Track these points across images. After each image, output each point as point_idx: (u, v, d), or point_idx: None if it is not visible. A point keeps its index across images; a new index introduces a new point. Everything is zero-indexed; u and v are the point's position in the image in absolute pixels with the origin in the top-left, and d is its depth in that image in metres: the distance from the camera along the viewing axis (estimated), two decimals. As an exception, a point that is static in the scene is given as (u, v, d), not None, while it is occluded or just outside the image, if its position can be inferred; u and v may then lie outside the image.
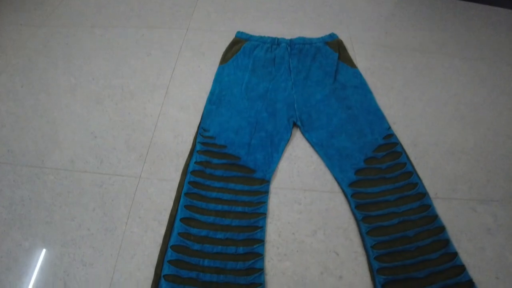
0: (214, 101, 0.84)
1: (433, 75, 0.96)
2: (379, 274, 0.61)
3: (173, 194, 0.70)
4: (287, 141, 0.78)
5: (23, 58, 1.01)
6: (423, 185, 0.72)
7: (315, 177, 0.74)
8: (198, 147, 0.76)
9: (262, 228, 0.65)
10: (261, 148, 0.76)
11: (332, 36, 0.98)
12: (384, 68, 0.97)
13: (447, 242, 0.65)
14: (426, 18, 1.16)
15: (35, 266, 0.63)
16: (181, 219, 0.65)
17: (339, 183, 0.72)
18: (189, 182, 0.70)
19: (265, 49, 0.94)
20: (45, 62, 1.00)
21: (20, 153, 0.79)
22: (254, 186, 0.71)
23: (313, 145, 0.78)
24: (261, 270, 0.60)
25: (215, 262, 0.61)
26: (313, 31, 1.06)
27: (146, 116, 0.84)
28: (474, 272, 0.63)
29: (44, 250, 0.65)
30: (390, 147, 0.77)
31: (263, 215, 0.67)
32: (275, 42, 0.95)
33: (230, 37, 1.00)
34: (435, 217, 0.68)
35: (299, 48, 0.94)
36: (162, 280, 0.59)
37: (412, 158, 0.77)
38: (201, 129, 0.79)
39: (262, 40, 0.96)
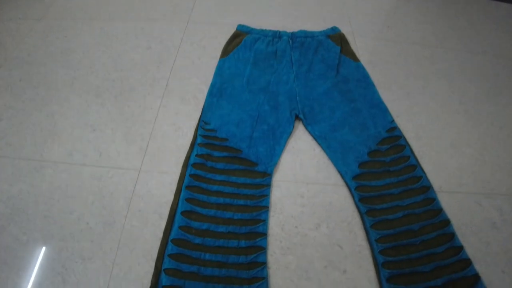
0: (215, 94, 0.82)
1: (436, 68, 0.94)
2: (384, 268, 0.59)
3: (173, 187, 0.68)
4: (289, 134, 0.76)
5: (21, 52, 0.99)
6: (427, 178, 0.70)
7: (318, 170, 0.72)
8: (199, 140, 0.74)
9: (264, 222, 0.63)
10: (263, 141, 0.74)
11: (334, 29, 0.96)
12: (387, 61, 0.95)
13: (452, 235, 0.63)
14: (428, 13, 1.14)
15: (33, 260, 0.61)
16: (182, 213, 0.63)
17: (342, 176, 0.70)
18: (190, 175, 0.68)
19: (267, 42, 0.92)
20: (44, 55, 0.97)
21: (18, 147, 0.77)
22: (256, 179, 0.69)
23: (315, 138, 0.76)
24: (263, 264, 0.58)
25: (216, 256, 0.59)
26: (315, 24, 1.04)
27: (146, 108, 0.82)
28: (479, 266, 0.61)
29: (42, 245, 0.63)
30: (394, 140, 0.75)
31: (265, 208, 0.65)
32: (276, 35, 0.93)
33: (231, 31, 0.97)
34: (439, 210, 0.66)
35: (301, 41, 0.92)
36: (163, 274, 0.57)
37: (415, 152, 0.75)
38: (202, 122, 0.77)
39: (263, 33, 0.94)
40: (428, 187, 0.69)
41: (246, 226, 0.62)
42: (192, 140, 0.74)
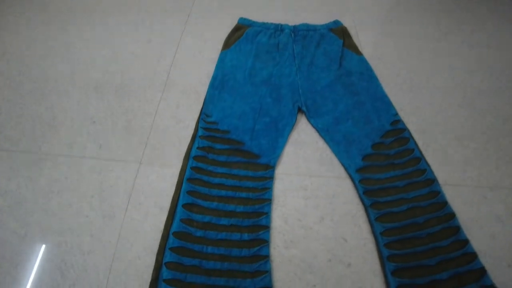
0: (217, 86, 0.80)
1: (439, 62, 0.92)
2: (389, 261, 0.57)
3: (174, 180, 0.66)
4: (292, 126, 0.74)
5: (20, 46, 0.97)
6: (432, 171, 0.68)
7: (322, 163, 0.70)
8: (200, 132, 0.72)
9: (267, 214, 0.61)
10: (266, 133, 0.72)
11: (337, 23, 0.94)
12: (390, 55, 0.93)
13: (457, 229, 0.61)
14: (430, 7, 1.11)
15: (32, 254, 0.59)
16: (183, 205, 0.61)
17: (346, 169, 0.68)
18: (192, 168, 0.66)
19: (269, 35, 0.90)
20: (43, 49, 0.95)
21: (16, 140, 0.75)
22: (258, 171, 0.67)
23: (319, 130, 0.74)
24: (266, 257, 0.57)
25: (219, 249, 0.57)
26: (317, 18, 1.01)
27: (147, 101, 0.80)
28: (485, 260, 0.59)
29: (41, 239, 0.61)
30: (398, 133, 0.73)
31: (268, 201, 0.63)
32: (278, 28, 0.91)
33: (232, 24, 0.95)
34: (444, 203, 0.64)
35: (303, 34, 0.90)
36: (164, 267, 0.55)
37: (420, 145, 0.74)
38: (203, 115, 0.75)
39: (265, 26, 0.92)
40: (433, 180, 0.67)
41: (248, 219, 0.60)
42: (193, 132, 0.72)
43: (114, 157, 0.71)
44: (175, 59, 0.90)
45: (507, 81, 0.89)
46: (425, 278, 0.56)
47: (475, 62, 0.94)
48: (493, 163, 0.73)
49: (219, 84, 0.81)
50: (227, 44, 0.89)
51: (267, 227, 0.60)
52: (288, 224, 0.62)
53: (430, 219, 0.62)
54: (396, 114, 0.77)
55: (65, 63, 0.91)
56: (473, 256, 0.58)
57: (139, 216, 0.62)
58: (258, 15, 1.00)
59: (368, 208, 0.63)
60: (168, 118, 0.77)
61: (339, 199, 0.65)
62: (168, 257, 0.56)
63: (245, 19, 0.94)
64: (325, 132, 0.73)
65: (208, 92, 0.79)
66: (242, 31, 0.91)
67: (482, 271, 0.57)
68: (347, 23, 0.99)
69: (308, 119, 0.76)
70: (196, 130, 0.73)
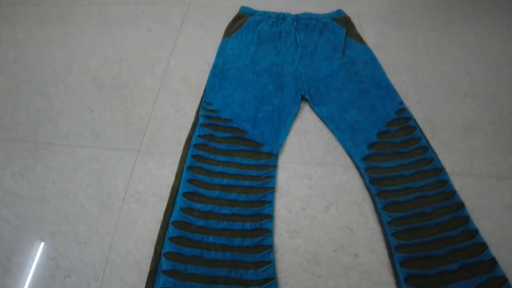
0: (218, 74, 0.77)
1: (444, 52, 0.89)
2: (398, 252, 0.54)
3: (174, 168, 0.63)
4: (295, 114, 0.71)
5: (18, 35, 0.93)
6: (439, 160, 0.65)
7: (326, 151, 0.66)
8: (201, 120, 0.68)
9: (270, 203, 0.58)
10: (268, 122, 0.69)
11: (339, 12, 0.90)
12: (393, 45, 0.90)
13: (466, 219, 0.58)
14: (433, -2, 1.08)
15: (26, 245, 0.56)
16: (183, 194, 0.58)
17: (351, 157, 0.65)
18: (192, 156, 0.63)
19: (270, 23, 0.86)
20: (41, 38, 0.91)
21: (12, 129, 0.71)
22: (261, 160, 0.63)
23: (323, 119, 0.71)
24: (270, 247, 0.53)
25: (220, 239, 0.54)
26: (319, 8, 0.98)
27: (146, 89, 0.76)
28: (495, 251, 0.56)
29: (35, 229, 0.57)
30: (404, 122, 0.70)
31: (271, 189, 0.60)
32: (280, 17, 0.87)
33: (234, 13, 0.91)
34: (453, 193, 0.61)
35: (305, 23, 0.87)
36: (163, 258, 0.52)
37: (426, 134, 0.70)
38: (204, 103, 0.72)
39: (267, 15, 0.88)
40: (440, 169, 0.64)
41: (251, 208, 0.57)
42: (194, 120, 0.69)
43: (112, 145, 0.67)
44: (175, 47, 0.86)
45: (513, 71, 0.86)
46: (435, 269, 0.53)
47: (480, 52, 0.90)
48: (501, 153, 0.70)
49: (220, 72, 0.77)
50: (228, 32, 0.86)
51: (270, 216, 0.57)
52: (292, 213, 0.58)
53: (438, 208, 0.59)
54: (402, 102, 0.74)
55: (62, 52, 0.87)
56: (483, 246, 0.55)
57: (137, 206, 0.59)
58: (260, 4, 0.96)
59: (374, 197, 0.59)
60: (168, 106, 0.73)
61: (344, 188, 0.61)
62: (168, 247, 0.53)
63: (246, 7, 0.90)
64: (329, 120, 0.70)
65: (208, 80, 0.76)
66: (243, 20, 0.87)
67: (493, 262, 0.54)
68: (350, 12, 0.95)
69: (312, 107, 0.73)
70: (196, 118, 0.69)
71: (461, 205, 0.60)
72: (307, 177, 0.63)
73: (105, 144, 0.67)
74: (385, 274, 0.53)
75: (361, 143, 0.66)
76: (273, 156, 0.64)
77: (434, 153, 0.66)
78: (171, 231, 0.54)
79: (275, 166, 0.63)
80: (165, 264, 0.51)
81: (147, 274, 0.51)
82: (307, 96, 0.73)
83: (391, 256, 0.54)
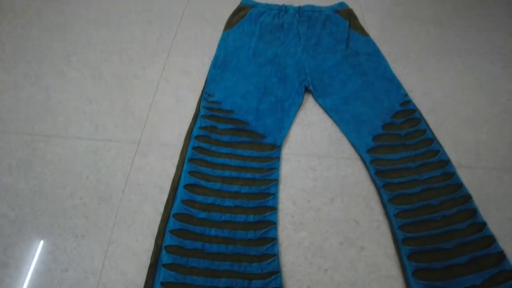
0: (219, 65, 0.74)
1: (448, 45, 0.87)
2: (404, 245, 0.52)
3: (175, 160, 0.60)
4: (298, 106, 0.69)
5: (15, 27, 0.90)
6: (445, 152, 0.63)
7: (331, 143, 0.64)
8: (202, 111, 0.66)
9: (274, 195, 0.56)
10: (271, 113, 0.67)
11: (342, 4, 0.88)
12: (397, 37, 0.88)
13: (474, 211, 0.56)
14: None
15: (22, 238, 0.53)
16: (184, 186, 0.55)
17: (356, 149, 0.63)
18: (193, 148, 0.60)
19: (272, 15, 0.84)
20: (39, 30, 0.89)
21: (9, 120, 0.69)
22: (264, 152, 0.61)
23: (327, 110, 0.69)
24: (274, 240, 0.51)
25: (223, 232, 0.51)
26: (321, 0, 0.96)
27: (146, 81, 0.74)
28: (504, 244, 0.54)
29: (31, 221, 0.55)
30: (408, 114, 0.68)
31: (274, 181, 0.57)
32: (282, 9, 0.85)
33: (235, 5, 0.89)
34: (460, 185, 0.59)
35: (308, 15, 0.84)
36: (163, 251, 0.49)
37: (431, 126, 0.68)
38: (205, 94, 0.69)
39: (268, 7, 0.86)
40: (446, 161, 0.62)
41: (254, 200, 0.55)
42: (195, 112, 0.67)
43: (111, 137, 0.65)
44: (175, 39, 0.83)
45: (518, 64, 0.84)
46: (443, 262, 0.51)
47: (485, 46, 0.88)
48: (508, 145, 0.68)
49: (222, 63, 0.75)
50: (230, 24, 0.83)
51: (274, 209, 0.54)
52: (296, 205, 0.56)
53: (445, 201, 0.57)
54: (406, 95, 0.71)
55: (61, 44, 0.84)
56: (491, 239, 0.53)
57: (137, 198, 0.57)
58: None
59: (380, 189, 0.57)
60: (168, 98, 0.71)
61: (349, 180, 0.59)
62: (168, 240, 0.50)
63: (248, -1, 0.88)
64: (333, 112, 0.68)
65: (210, 71, 0.73)
66: (245, 12, 0.85)
67: (501, 255, 0.52)
68: (352, 5, 0.93)
69: (316, 98, 0.70)
70: (197, 109, 0.67)
71: (468, 197, 0.58)
72: (311, 169, 0.60)
73: (104, 135, 0.65)
74: (392, 268, 0.50)
75: (366, 135, 0.64)
76: (276, 147, 0.62)
77: (440, 145, 0.64)
78: (172, 223, 0.52)
79: (278, 158, 0.61)
80: (165, 258, 0.49)
81: (147, 267, 0.49)
82: (311, 88, 0.71)
83: (398, 249, 0.52)
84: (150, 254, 0.50)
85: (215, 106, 0.67)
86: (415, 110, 0.69)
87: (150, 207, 0.55)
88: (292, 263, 0.50)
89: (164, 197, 0.56)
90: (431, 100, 0.74)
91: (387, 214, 0.55)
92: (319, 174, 0.60)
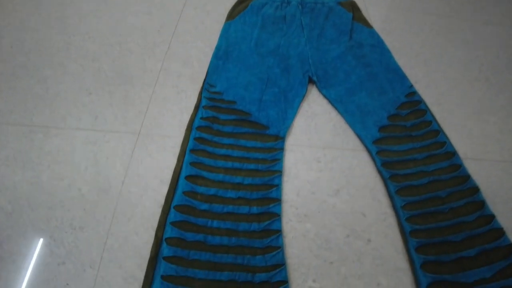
0: (221, 56, 0.72)
1: (452, 37, 0.85)
2: (412, 237, 0.49)
3: (176, 151, 0.58)
4: (302, 97, 0.66)
5: (13, 20, 0.87)
6: (451, 144, 0.61)
7: (335, 134, 0.62)
8: (204, 102, 0.63)
9: (278, 187, 0.53)
10: (274, 104, 0.64)
11: (345, -4, 0.86)
12: (401, 29, 0.85)
13: (482, 203, 0.54)
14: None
15: (18, 231, 0.51)
16: (186, 177, 0.53)
17: (362, 140, 0.61)
18: (195, 139, 0.58)
19: (275, 7, 0.82)
20: (38, 22, 0.86)
21: (6, 112, 0.66)
22: (267, 142, 0.59)
23: (331, 101, 0.66)
24: (278, 232, 0.49)
25: (225, 223, 0.49)
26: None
27: (146, 71, 0.71)
28: (512, 236, 0.52)
29: (28, 214, 0.52)
30: (414, 105, 0.66)
31: (278, 172, 0.55)
32: (284, 1, 0.83)
33: (237, -3, 0.87)
34: (467, 177, 0.57)
35: (310, 7, 0.82)
36: (164, 244, 0.47)
37: (436, 118, 0.66)
38: (207, 85, 0.67)
39: (271, -2, 0.83)
40: (453, 153, 0.59)
41: (257, 192, 0.52)
42: (196, 103, 0.64)
43: (111, 128, 0.62)
44: (176, 30, 0.81)
45: (523, 57, 0.82)
46: (451, 255, 0.48)
47: (489, 38, 0.86)
48: (515, 137, 0.66)
49: (223, 54, 0.72)
50: (231, 15, 0.81)
51: (278, 200, 0.52)
52: (300, 197, 0.54)
53: (452, 193, 0.55)
54: (411, 86, 0.69)
55: (60, 36, 0.82)
56: (501, 232, 0.51)
57: (137, 189, 0.54)
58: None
59: (387, 180, 0.55)
60: (169, 89, 0.68)
61: (355, 172, 0.57)
62: (169, 232, 0.48)
63: (250, -9, 0.85)
64: (338, 103, 0.66)
65: (211, 62, 0.71)
66: (247, 3, 0.82)
67: (511, 248, 0.50)
68: (355, -3, 0.91)
69: (320, 89, 0.68)
70: (199, 100, 0.64)
71: (476, 189, 0.55)
72: (316, 160, 0.58)
73: (104, 126, 0.62)
74: (400, 260, 0.48)
75: (372, 126, 0.62)
76: (280, 138, 0.60)
77: (446, 136, 0.62)
78: (173, 215, 0.50)
79: (282, 148, 0.58)
80: (166, 250, 0.46)
81: (147, 261, 0.47)
82: (314, 78, 0.68)
83: (405, 241, 0.50)
84: (150, 247, 0.48)
85: (217, 96, 0.65)
86: (420, 101, 0.67)
87: (150, 199, 0.53)
88: (297, 256, 0.48)
89: (165, 188, 0.53)
90: (436, 92, 0.72)
91: (394, 206, 0.53)
92: (323, 166, 0.57)
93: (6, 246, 0.50)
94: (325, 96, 0.67)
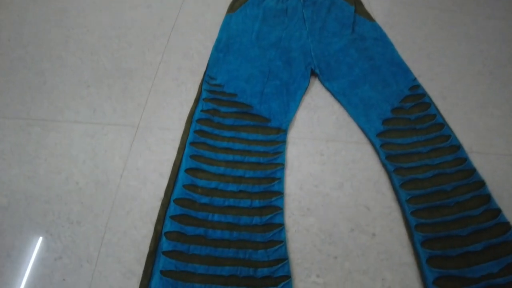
0: (221, 49, 0.70)
1: (456, 31, 0.83)
2: (417, 231, 0.48)
3: (176, 144, 0.56)
4: (304, 89, 0.64)
5: (11, 14, 0.85)
6: (456, 137, 0.59)
7: (339, 127, 0.60)
8: (204, 94, 0.61)
9: (280, 180, 0.51)
10: (276, 97, 0.62)
11: (347, -10, 0.84)
12: (403, 23, 0.83)
13: (488, 197, 0.52)
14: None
15: (15, 225, 0.49)
16: (186, 170, 0.51)
17: (366, 133, 0.59)
18: (195, 131, 0.56)
19: (276, 0, 0.79)
20: (36, 16, 0.84)
21: (3, 105, 0.64)
22: (269, 135, 0.57)
23: (334, 94, 0.64)
24: (281, 226, 0.47)
25: (226, 217, 0.47)
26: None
27: (145, 64, 0.69)
28: (519, 231, 0.50)
29: (25, 207, 0.50)
30: (418, 98, 0.64)
31: (280, 165, 0.53)
32: (286, -6, 0.81)
33: (238, -10, 0.85)
34: (473, 171, 0.55)
35: (312, 0, 0.80)
36: (163, 238, 0.45)
37: (441, 111, 0.64)
38: (207, 77, 0.65)
39: (272, -9, 0.81)
40: (458, 146, 0.58)
41: (259, 185, 0.51)
42: (197, 95, 0.62)
43: (109, 121, 0.60)
44: (176, 23, 0.79)
45: (527, 51, 0.80)
46: (458, 249, 0.47)
47: (492, 33, 0.84)
48: (520, 131, 0.64)
49: (224, 46, 0.70)
50: (233, 7, 0.79)
51: (280, 193, 0.50)
52: (303, 190, 0.52)
53: (458, 187, 0.53)
54: (415, 79, 0.67)
55: (58, 29, 0.79)
56: (507, 226, 0.49)
57: (136, 183, 0.52)
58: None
59: (391, 173, 0.53)
60: (169, 81, 0.66)
61: (359, 165, 0.55)
62: (169, 226, 0.46)
63: (251, -16, 0.83)
64: (341, 96, 0.64)
65: (212, 54, 0.69)
66: (248, -4, 0.80)
67: (518, 242, 0.48)
68: (357, -9, 0.88)
69: (322, 82, 0.66)
70: (199, 93, 0.62)
71: (482, 183, 0.53)
72: (319, 153, 0.56)
73: (102, 119, 0.60)
74: (406, 255, 0.46)
75: (375, 119, 0.60)
76: (282, 131, 0.58)
77: (451, 130, 0.60)
78: (173, 209, 0.48)
79: (284, 141, 0.56)
80: (166, 245, 0.45)
81: (146, 255, 0.45)
82: (317, 71, 0.66)
83: (410, 235, 0.48)
84: (149, 241, 0.46)
85: (217, 89, 0.63)
86: (424, 94, 0.65)
87: (150, 193, 0.51)
88: (300, 250, 0.46)
89: (164, 182, 0.52)
90: (440, 85, 0.70)
91: (398, 199, 0.51)
92: (326, 159, 0.56)
93: (2, 241, 0.48)
94: (328, 89, 0.65)
